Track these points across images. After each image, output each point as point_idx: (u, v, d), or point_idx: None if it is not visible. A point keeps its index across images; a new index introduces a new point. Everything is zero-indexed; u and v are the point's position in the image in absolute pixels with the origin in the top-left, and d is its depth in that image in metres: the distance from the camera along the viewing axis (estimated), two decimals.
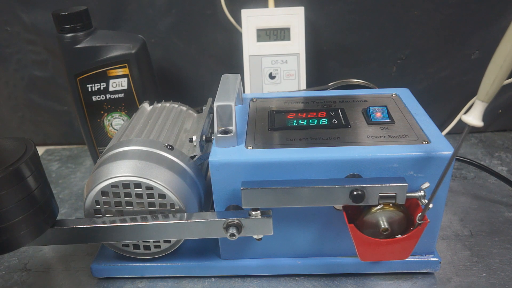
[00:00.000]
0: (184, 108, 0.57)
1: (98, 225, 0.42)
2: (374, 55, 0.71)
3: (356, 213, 0.42)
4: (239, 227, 0.42)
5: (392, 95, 0.53)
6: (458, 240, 0.52)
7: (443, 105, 0.75)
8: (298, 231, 0.45)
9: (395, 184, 0.39)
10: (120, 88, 0.63)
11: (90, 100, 0.63)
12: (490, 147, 0.73)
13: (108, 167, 0.43)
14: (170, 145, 0.46)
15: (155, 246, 0.46)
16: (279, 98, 0.54)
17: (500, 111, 0.76)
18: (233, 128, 0.42)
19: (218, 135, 0.42)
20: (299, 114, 0.49)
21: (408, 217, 0.41)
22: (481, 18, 0.67)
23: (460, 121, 0.71)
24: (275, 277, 0.48)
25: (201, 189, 0.47)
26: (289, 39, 0.64)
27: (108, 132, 0.66)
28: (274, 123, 0.47)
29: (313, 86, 0.67)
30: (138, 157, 0.44)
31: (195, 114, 0.56)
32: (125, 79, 0.62)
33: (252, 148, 0.43)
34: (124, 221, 0.42)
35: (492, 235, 0.53)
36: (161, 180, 0.42)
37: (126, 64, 0.61)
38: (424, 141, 0.42)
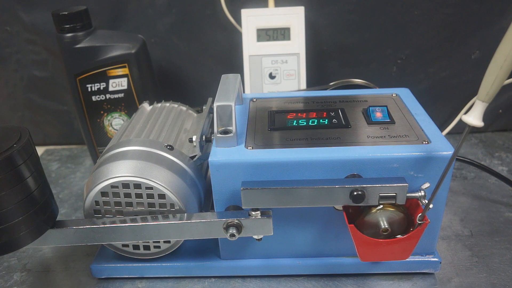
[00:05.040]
0: (184, 108, 0.56)
1: (98, 226, 0.42)
2: (374, 55, 0.71)
3: (356, 213, 0.42)
4: (239, 227, 0.42)
5: (392, 95, 0.53)
6: (459, 240, 0.52)
7: (443, 105, 0.75)
8: (298, 231, 0.45)
9: (395, 184, 0.39)
10: (120, 88, 0.63)
11: (90, 100, 0.63)
12: (490, 147, 0.73)
13: (108, 167, 0.43)
14: (170, 145, 0.46)
15: (155, 247, 0.46)
16: (279, 98, 0.54)
17: (500, 111, 0.76)
18: (233, 128, 0.42)
19: (218, 135, 0.42)
20: (299, 114, 0.49)
21: (408, 217, 0.41)
22: (481, 18, 0.67)
23: (460, 121, 0.71)
24: (275, 277, 0.48)
25: (201, 189, 0.47)
26: (289, 39, 0.64)
27: (108, 132, 0.66)
28: (274, 123, 0.47)
29: (313, 86, 0.67)
30: (138, 157, 0.43)
31: (195, 114, 0.56)
32: (125, 79, 0.62)
33: (252, 148, 0.42)
34: (124, 221, 0.42)
35: (493, 235, 0.53)
36: (160, 180, 0.42)
37: (126, 64, 0.61)
38: (424, 141, 0.42)
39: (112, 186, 0.43)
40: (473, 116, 0.34)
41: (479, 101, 0.34)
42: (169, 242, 0.46)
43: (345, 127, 0.46)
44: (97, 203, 0.44)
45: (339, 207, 0.43)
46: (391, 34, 0.69)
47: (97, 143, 0.67)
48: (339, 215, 0.43)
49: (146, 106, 0.57)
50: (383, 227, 0.41)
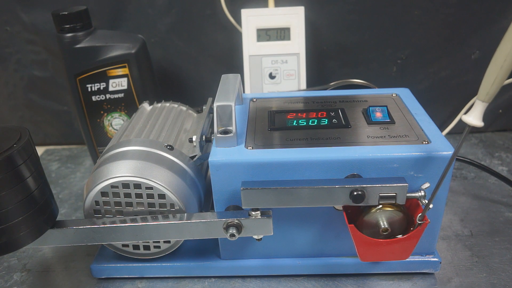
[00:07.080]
0: (184, 108, 0.56)
1: (98, 226, 0.42)
2: (374, 55, 0.71)
3: (356, 213, 0.42)
4: (239, 227, 0.42)
5: (392, 95, 0.53)
6: (459, 240, 0.52)
7: (443, 105, 0.75)
8: (298, 231, 0.45)
9: (395, 184, 0.39)
10: (120, 88, 0.63)
11: (90, 100, 0.63)
12: (490, 147, 0.73)
13: (108, 167, 0.43)
14: (170, 145, 0.46)
15: (155, 247, 0.46)
16: (279, 98, 0.54)
17: (500, 111, 0.76)
18: (233, 128, 0.42)
19: (218, 135, 0.42)
20: (299, 114, 0.49)
21: (408, 217, 0.41)
22: (481, 18, 0.67)
23: (460, 121, 0.71)
24: (275, 277, 0.48)
25: (201, 189, 0.47)
26: (289, 39, 0.64)
27: (108, 132, 0.66)
28: (274, 123, 0.47)
29: (313, 86, 0.67)
30: (138, 157, 0.43)
31: (195, 114, 0.56)
32: (125, 79, 0.62)
33: (252, 148, 0.42)
34: (124, 221, 0.42)
35: (493, 235, 0.53)
36: (160, 180, 0.42)
37: (126, 64, 0.61)
38: (424, 141, 0.42)
39: (112, 186, 0.43)
40: (473, 116, 0.34)
41: (479, 101, 0.34)
42: (169, 242, 0.46)
43: (345, 127, 0.46)
44: (97, 203, 0.44)
45: (339, 207, 0.43)
46: (391, 34, 0.69)
47: (97, 143, 0.67)
48: (339, 215, 0.43)
49: (146, 106, 0.57)
50: (383, 227, 0.41)
